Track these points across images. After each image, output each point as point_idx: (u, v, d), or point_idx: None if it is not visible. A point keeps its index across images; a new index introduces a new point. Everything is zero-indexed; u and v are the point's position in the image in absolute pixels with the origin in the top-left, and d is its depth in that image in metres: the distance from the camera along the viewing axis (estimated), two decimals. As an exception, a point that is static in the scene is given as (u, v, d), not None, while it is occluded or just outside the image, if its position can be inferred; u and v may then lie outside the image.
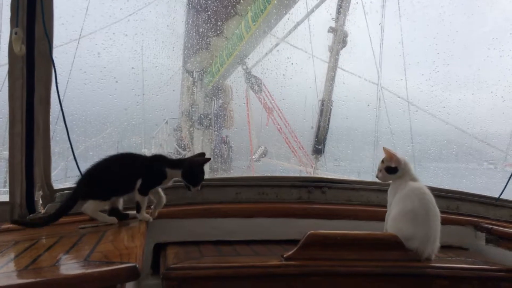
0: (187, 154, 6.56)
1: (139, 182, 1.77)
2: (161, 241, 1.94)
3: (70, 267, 1.16)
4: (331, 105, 3.50)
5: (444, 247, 1.82)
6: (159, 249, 1.91)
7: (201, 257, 1.72)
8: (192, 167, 1.80)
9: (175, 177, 1.81)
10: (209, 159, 1.85)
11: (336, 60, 3.73)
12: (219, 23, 5.30)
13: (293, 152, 5.92)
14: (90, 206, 1.74)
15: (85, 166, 1.81)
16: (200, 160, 1.82)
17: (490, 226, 2.09)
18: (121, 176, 1.78)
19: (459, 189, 2.34)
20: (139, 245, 1.37)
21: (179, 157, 6.56)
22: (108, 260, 1.16)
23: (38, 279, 1.03)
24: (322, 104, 3.50)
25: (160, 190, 1.86)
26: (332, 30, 3.73)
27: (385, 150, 1.82)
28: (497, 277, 1.77)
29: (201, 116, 6.38)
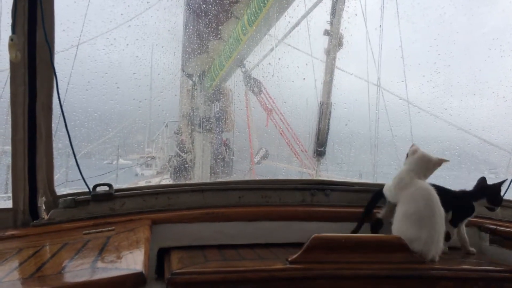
0: (188, 157, 6.56)
1: (449, 215, 1.90)
2: (165, 245, 1.93)
3: (76, 274, 1.16)
4: (331, 107, 3.50)
5: (449, 249, 1.82)
6: (163, 253, 1.91)
7: (205, 261, 1.72)
8: (497, 192, 1.95)
9: (481, 206, 1.96)
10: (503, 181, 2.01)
11: (333, 63, 3.72)
12: (219, 26, 5.31)
13: (295, 154, 5.91)
14: None
15: (87, 171, 1.81)
16: (498, 184, 1.97)
17: (494, 226, 2.09)
18: None
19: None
20: (144, 250, 1.36)
21: (180, 160, 6.57)
22: (114, 267, 1.16)
23: None
24: (322, 106, 3.50)
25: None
26: (327, 32, 3.73)
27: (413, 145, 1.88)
28: (501, 277, 1.77)
29: (202, 119, 6.38)
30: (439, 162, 1.81)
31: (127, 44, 4.05)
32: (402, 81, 4.72)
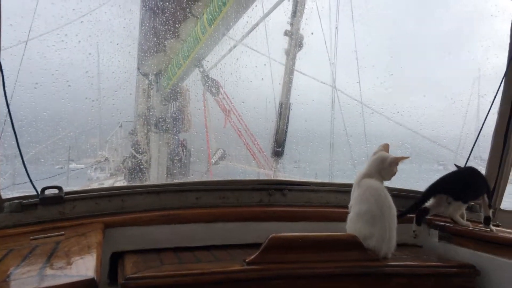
0: (144, 158, 6.43)
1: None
2: (118, 249, 1.88)
3: (22, 282, 1.10)
4: (290, 108, 3.53)
5: (400, 245, 1.87)
6: (117, 258, 1.85)
7: (160, 265, 1.68)
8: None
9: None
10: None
11: (293, 63, 3.76)
12: (176, 25, 5.22)
13: (252, 155, 5.93)
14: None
15: (35, 173, 1.73)
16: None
17: (443, 223, 2.17)
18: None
19: (413, 189, 2.42)
20: (96, 255, 1.31)
21: (135, 161, 6.43)
22: (63, 273, 1.11)
23: None
24: (281, 107, 3.52)
25: None
26: (288, 33, 3.76)
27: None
28: (450, 273, 1.84)
29: (158, 119, 6.26)
30: (396, 161, 1.84)
31: (79, 41, 3.90)
32: (357, 82, 4.85)
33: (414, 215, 2.08)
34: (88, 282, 1.06)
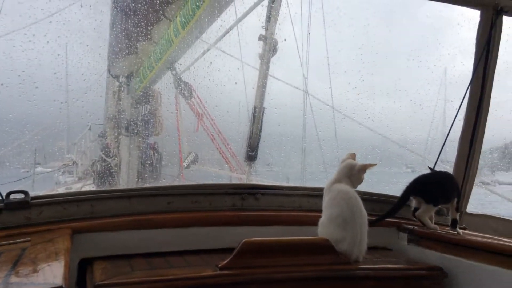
0: (114, 162, 6.31)
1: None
2: (87, 256, 1.83)
3: None
4: (263, 112, 3.54)
5: (370, 248, 1.90)
6: (86, 265, 1.80)
7: (131, 271, 1.65)
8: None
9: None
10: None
11: (267, 68, 3.78)
12: (149, 27, 5.16)
13: (225, 159, 5.92)
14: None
15: (1, 180, 1.67)
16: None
17: (412, 226, 2.22)
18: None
19: (384, 193, 2.46)
20: (64, 262, 1.27)
21: (105, 165, 6.31)
22: (29, 281, 1.07)
23: None
24: (254, 111, 3.53)
25: None
26: (262, 38, 3.78)
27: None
28: (419, 275, 1.88)
29: (129, 122, 6.16)
30: (363, 168, 1.88)
31: (48, 42, 3.80)
32: (329, 88, 4.92)
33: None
34: None
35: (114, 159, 6.33)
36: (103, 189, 3.69)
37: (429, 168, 2.26)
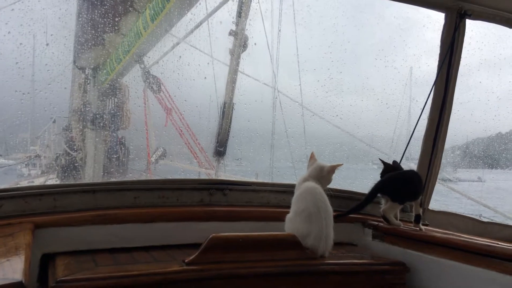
0: (79, 155, 6.15)
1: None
2: (49, 251, 1.78)
3: None
4: (233, 108, 3.52)
5: (336, 244, 1.94)
6: (48, 260, 1.75)
7: (95, 267, 1.61)
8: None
9: None
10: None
11: (237, 64, 3.76)
12: (116, 18, 5.04)
13: (193, 154, 5.87)
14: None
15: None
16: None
17: (376, 222, 2.27)
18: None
19: (349, 189, 2.51)
20: (25, 257, 1.23)
21: (69, 158, 6.14)
22: None
23: None
24: (224, 107, 3.51)
25: None
26: (232, 33, 3.76)
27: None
28: (382, 270, 1.93)
29: (95, 115, 6.01)
30: (332, 169, 1.96)
31: (9, 31, 3.64)
32: (299, 85, 4.96)
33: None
34: (15, 286, 1.00)
35: (79, 153, 6.16)
36: (67, 183, 3.58)
37: (380, 160, 2.30)
